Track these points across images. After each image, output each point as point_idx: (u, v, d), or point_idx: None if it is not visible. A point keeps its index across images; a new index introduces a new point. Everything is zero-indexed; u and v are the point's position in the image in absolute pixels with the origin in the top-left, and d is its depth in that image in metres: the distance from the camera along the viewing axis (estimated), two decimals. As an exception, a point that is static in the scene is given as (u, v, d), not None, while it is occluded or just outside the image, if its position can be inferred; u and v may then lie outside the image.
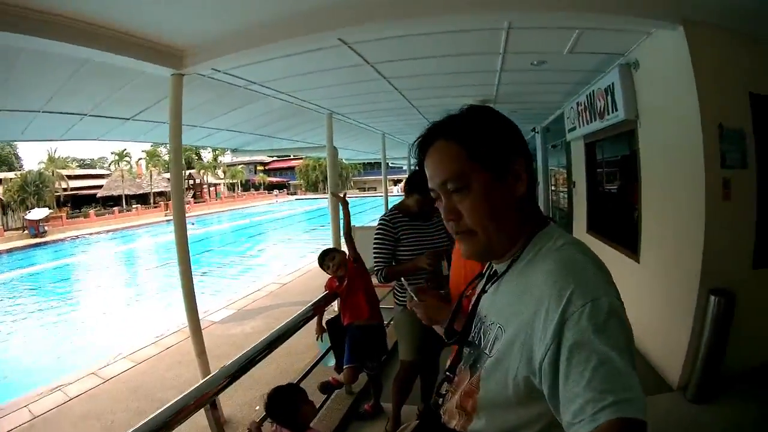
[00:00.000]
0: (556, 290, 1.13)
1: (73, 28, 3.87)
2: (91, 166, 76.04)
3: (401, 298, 4.10)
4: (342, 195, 4.63)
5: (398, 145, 16.54)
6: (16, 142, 51.50)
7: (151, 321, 15.70)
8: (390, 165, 32.78)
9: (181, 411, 2.59)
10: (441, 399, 1.59)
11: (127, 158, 61.12)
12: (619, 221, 6.32)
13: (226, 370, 3.20)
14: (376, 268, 3.99)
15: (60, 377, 8.76)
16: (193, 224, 45.86)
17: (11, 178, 50.35)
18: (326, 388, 4.47)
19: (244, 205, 62.27)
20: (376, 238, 3.99)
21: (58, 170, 54.02)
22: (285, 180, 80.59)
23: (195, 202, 60.85)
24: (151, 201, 58.35)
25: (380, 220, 4.07)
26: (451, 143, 1.30)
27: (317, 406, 4.22)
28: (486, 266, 1.56)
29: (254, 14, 4.15)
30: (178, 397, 2.65)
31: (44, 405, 6.93)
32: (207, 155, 66.62)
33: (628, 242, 5.82)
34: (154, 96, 6.00)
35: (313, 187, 74.18)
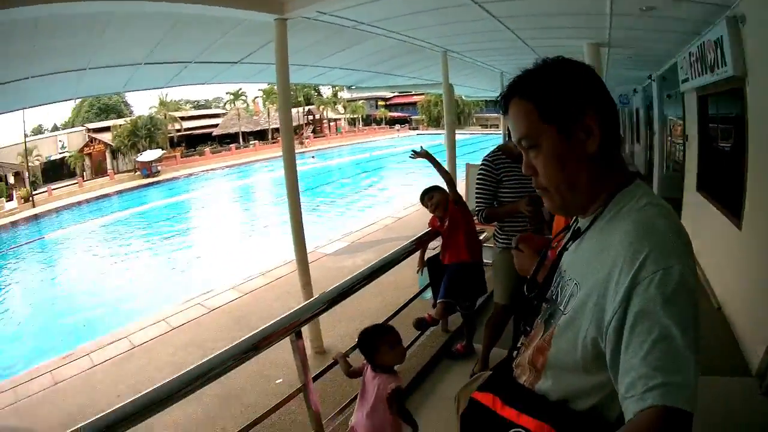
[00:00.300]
0: (631, 252, 1.18)
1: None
2: (206, 106, 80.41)
3: (501, 240, 4.35)
4: (420, 151, 4.89)
5: None
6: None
7: (262, 254, 16.97)
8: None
9: (269, 337, 3.14)
10: (516, 352, 1.70)
11: (243, 97, 64.19)
12: (729, 183, 6.09)
13: (316, 302, 3.72)
14: (477, 209, 4.27)
15: (166, 309, 9.82)
16: (313, 158, 49.39)
17: (120, 125, 55.09)
18: (421, 324, 4.78)
19: (364, 139, 64.15)
20: (477, 179, 4.25)
21: (170, 113, 57.70)
22: (406, 115, 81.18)
23: (315, 137, 64.02)
24: (270, 137, 61.15)
25: (483, 160, 4.28)
26: (523, 101, 1.38)
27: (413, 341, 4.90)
28: (573, 219, 1.61)
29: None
30: (267, 324, 3.16)
31: (147, 335, 7.83)
32: (326, 91, 68.48)
33: (735, 207, 5.59)
34: (261, 39, 6.47)
35: (435, 122, 74.09)
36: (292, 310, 3.40)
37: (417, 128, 77.11)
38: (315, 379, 3.57)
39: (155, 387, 2.67)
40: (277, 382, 5.01)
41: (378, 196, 28.73)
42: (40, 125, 61.13)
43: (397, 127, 76.50)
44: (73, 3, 4.15)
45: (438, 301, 4.76)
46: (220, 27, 5.89)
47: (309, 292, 5.69)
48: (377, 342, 3.19)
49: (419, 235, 4.78)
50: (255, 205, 34.19)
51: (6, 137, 47.06)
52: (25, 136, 47.13)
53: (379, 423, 3.17)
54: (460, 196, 4.76)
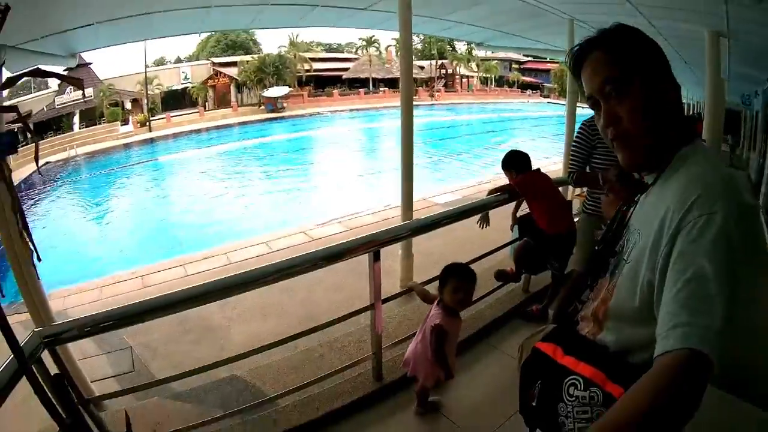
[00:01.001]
0: (683, 197, 1.30)
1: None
2: (338, 50, 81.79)
3: (588, 206, 4.67)
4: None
5: None
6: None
7: (374, 195, 17.99)
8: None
9: (347, 252, 3.72)
10: (581, 306, 1.87)
11: (375, 44, 65.04)
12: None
13: (400, 228, 4.33)
14: (569, 171, 4.56)
15: (270, 234, 10.66)
16: (445, 112, 50.11)
17: (247, 61, 57.64)
18: (501, 276, 5.08)
19: (494, 100, 63.74)
20: (573, 142, 4.53)
21: (300, 53, 59.25)
22: (539, 81, 79.27)
23: (446, 91, 64.11)
24: (400, 86, 62.16)
25: (581, 124, 4.51)
26: (608, 53, 1.50)
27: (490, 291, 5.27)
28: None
29: None
30: (350, 239, 3.74)
31: (245, 254, 8.58)
32: (461, 47, 68.06)
33: None
34: None
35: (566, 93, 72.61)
36: (374, 231, 3.94)
37: (548, 96, 75.57)
38: (384, 302, 4.03)
39: (237, 274, 3.25)
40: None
41: (498, 155, 29.16)
42: (162, 57, 65.04)
43: (529, 92, 75.24)
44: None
45: (515, 257, 4.98)
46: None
47: (408, 245, 6.15)
48: (449, 279, 3.49)
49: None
50: (376, 149, 35.16)
51: (127, 67, 50.32)
52: (146, 65, 50.02)
53: (421, 354, 3.61)
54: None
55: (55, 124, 41.71)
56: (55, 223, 21.17)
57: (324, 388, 4.13)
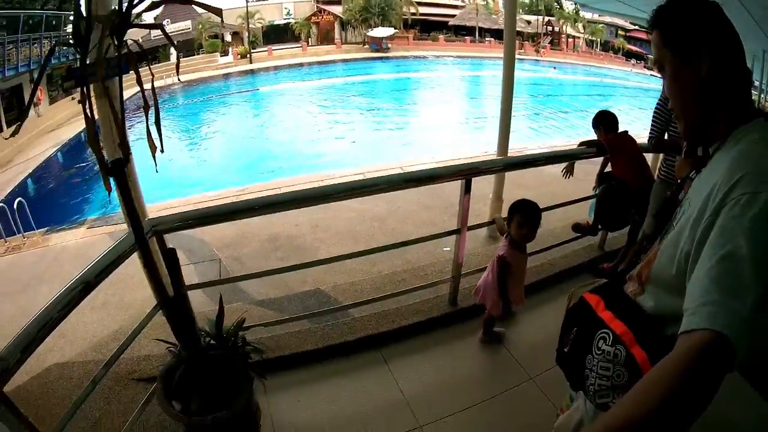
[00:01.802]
0: (731, 173, 1.29)
1: None
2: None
3: (663, 171, 4.71)
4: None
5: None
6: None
7: (475, 141, 18.18)
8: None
9: (441, 176, 4.10)
10: (634, 266, 1.86)
11: (484, -7, 63.87)
12: None
13: (493, 161, 4.71)
14: (649, 136, 4.61)
15: (366, 167, 10.88)
16: (554, 69, 49.70)
17: (353, 0, 57.05)
18: (578, 228, 5.29)
19: (598, 64, 61.67)
20: (655, 108, 4.57)
21: (405, -4, 59.05)
22: (644, 52, 76.46)
23: (551, 48, 62.70)
24: (504, 36, 61.24)
25: (661, 93, 4.50)
26: (656, 32, 1.56)
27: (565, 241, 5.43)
28: None
29: None
30: (444, 165, 3.92)
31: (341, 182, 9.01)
32: (569, 6, 66.18)
33: None
34: None
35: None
36: (469, 160, 4.14)
37: (652, 69, 73.05)
38: (470, 229, 4.25)
39: (329, 185, 3.56)
40: (444, 249, 5.71)
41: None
42: (264, -8, 65.46)
43: (633, 61, 72.65)
44: None
45: (594, 214, 5.08)
46: None
47: (500, 180, 6.21)
48: (515, 214, 3.71)
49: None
50: (478, 97, 35.01)
51: (227, 1, 50.93)
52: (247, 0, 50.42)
53: (488, 283, 3.89)
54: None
55: (150, 54, 42.80)
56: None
57: (402, 304, 4.45)
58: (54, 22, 31.60)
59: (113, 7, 1.97)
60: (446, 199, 4.27)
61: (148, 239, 2.72)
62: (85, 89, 1.99)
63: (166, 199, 11.27)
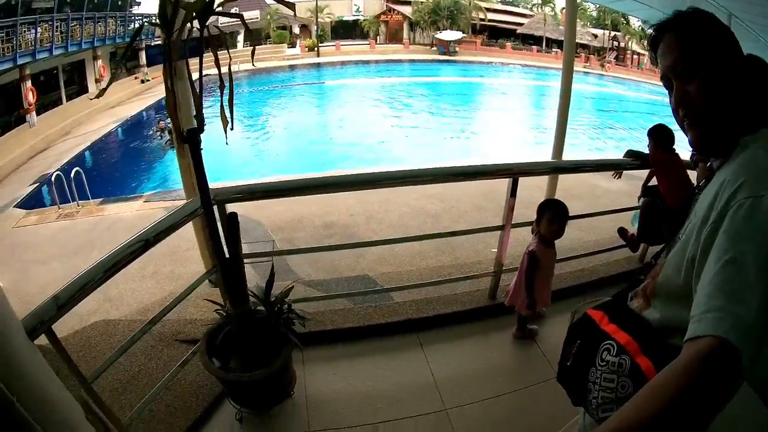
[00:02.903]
0: (733, 178, 1.30)
1: None
2: (514, 4, 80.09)
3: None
4: None
5: None
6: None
7: (533, 149, 18.53)
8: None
9: (489, 172, 4.26)
10: (639, 284, 1.86)
11: (551, 4, 63.34)
12: None
13: (540, 164, 4.94)
14: (692, 152, 4.60)
15: (425, 166, 11.04)
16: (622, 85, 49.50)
17: (422, 2, 57.71)
18: (622, 233, 5.22)
19: (658, 81, 61.22)
20: None
21: (476, 1, 58.90)
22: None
23: (616, 64, 61.99)
24: (563, 48, 60.80)
25: None
26: (681, 34, 1.54)
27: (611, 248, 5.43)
28: None
29: None
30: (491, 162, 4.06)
31: None
32: (635, 22, 65.21)
33: None
34: None
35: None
36: (515, 161, 4.33)
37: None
38: (514, 227, 4.37)
39: (375, 172, 3.74)
40: (492, 250, 5.77)
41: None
42: (335, -12, 66.20)
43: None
44: None
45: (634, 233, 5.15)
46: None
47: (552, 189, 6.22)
48: (545, 212, 3.84)
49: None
50: (541, 106, 34.88)
51: None
52: None
53: (517, 283, 4.03)
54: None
55: (218, 41, 43.33)
56: (213, 130, 22.36)
57: (443, 294, 4.63)
58: (120, 2, 32.37)
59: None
60: (499, 203, 4.37)
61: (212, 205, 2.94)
62: (168, 65, 2.20)
63: (225, 181, 11.57)
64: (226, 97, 2.45)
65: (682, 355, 1.13)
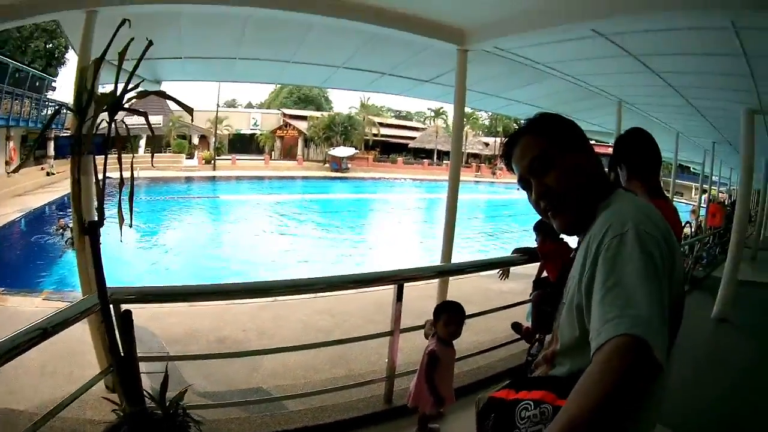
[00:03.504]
0: (598, 232, 1.50)
1: (362, 8, 5.62)
2: (407, 118, 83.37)
3: None
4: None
5: (693, 148, 16.68)
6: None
7: (430, 261, 17.89)
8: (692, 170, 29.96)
9: (376, 280, 4.67)
10: (533, 358, 2.00)
11: (443, 116, 66.21)
12: None
13: (425, 269, 5.11)
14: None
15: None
16: (518, 189, 50.36)
17: (317, 117, 60.01)
18: (516, 328, 5.26)
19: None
20: None
21: (369, 116, 61.05)
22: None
23: (508, 170, 64.95)
24: (464, 160, 62.99)
25: None
26: (535, 136, 1.79)
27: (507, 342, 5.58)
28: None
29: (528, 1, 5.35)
30: (379, 270, 4.29)
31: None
32: (524, 125, 68.83)
33: None
34: (449, 64, 7.23)
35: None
36: (401, 268, 4.54)
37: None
38: (403, 331, 4.54)
39: (280, 279, 3.85)
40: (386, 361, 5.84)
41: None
42: (234, 99, 68.21)
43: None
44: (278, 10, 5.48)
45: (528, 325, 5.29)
46: (411, 48, 7.07)
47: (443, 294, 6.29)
48: (441, 314, 3.93)
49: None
50: (434, 219, 35.84)
51: (199, 103, 53.54)
52: (218, 105, 52.81)
53: (418, 383, 4.03)
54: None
55: (124, 141, 42.97)
56: (105, 234, 21.91)
57: (338, 401, 4.64)
58: (37, 84, 31.84)
59: (110, 89, 2.33)
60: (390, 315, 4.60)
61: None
62: (78, 156, 2.32)
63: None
64: (126, 195, 2.55)
65: (591, 364, 1.25)
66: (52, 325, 2.70)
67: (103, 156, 2.50)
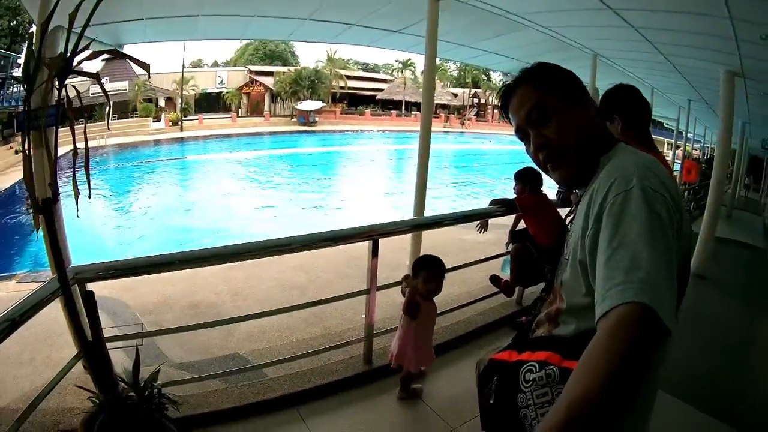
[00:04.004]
0: (603, 185, 1.45)
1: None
2: (374, 70, 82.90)
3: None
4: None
5: (668, 104, 16.70)
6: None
7: (399, 213, 18.81)
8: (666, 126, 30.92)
9: (349, 236, 4.33)
10: (534, 318, 1.92)
11: (411, 67, 65.73)
12: None
13: (399, 222, 4.97)
14: (558, 191, 4.79)
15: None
16: (490, 141, 53.05)
17: (284, 72, 59.37)
18: (495, 281, 5.23)
19: (523, 133, 64.30)
20: None
21: (336, 69, 60.45)
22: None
23: (477, 120, 64.81)
24: (421, 107, 63.22)
25: None
26: (531, 86, 1.73)
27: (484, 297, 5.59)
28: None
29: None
30: (352, 227, 4.24)
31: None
32: (496, 77, 68.51)
33: None
34: (419, 14, 7.02)
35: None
36: (373, 223, 4.38)
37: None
38: (379, 289, 4.43)
39: (247, 242, 3.84)
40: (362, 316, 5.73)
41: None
42: (200, 59, 67.05)
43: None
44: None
45: (506, 275, 5.24)
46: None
47: (417, 247, 6.30)
48: (420, 270, 3.85)
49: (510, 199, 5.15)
50: (402, 169, 35.76)
51: (164, 65, 52.25)
52: (183, 66, 52.04)
53: (401, 343, 3.96)
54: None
55: (86, 112, 42.16)
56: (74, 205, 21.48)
57: (317, 365, 4.54)
58: (2, 62, 31.74)
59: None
60: (364, 268, 4.47)
61: (71, 286, 2.81)
62: (27, 129, 2.13)
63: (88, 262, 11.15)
64: (81, 166, 2.36)
65: (597, 333, 1.21)
66: (20, 313, 2.54)
67: (68, 126, 2.29)
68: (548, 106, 1.67)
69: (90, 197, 2.38)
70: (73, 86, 2.27)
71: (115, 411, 2.75)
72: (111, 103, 41.59)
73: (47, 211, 2.30)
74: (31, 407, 2.73)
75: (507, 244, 5.42)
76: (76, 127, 2.28)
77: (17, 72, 34.22)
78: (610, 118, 3.38)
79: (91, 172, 2.41)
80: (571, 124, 1.67)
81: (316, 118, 56.11)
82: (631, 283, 1.20)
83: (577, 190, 1.88)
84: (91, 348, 2.74)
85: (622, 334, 1.16)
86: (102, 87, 2.61)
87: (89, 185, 2.39)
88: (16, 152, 31.77)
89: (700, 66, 8.66)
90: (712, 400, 4.28)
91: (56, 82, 2.15)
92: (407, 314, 3.83)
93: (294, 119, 56.30)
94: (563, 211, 3.57)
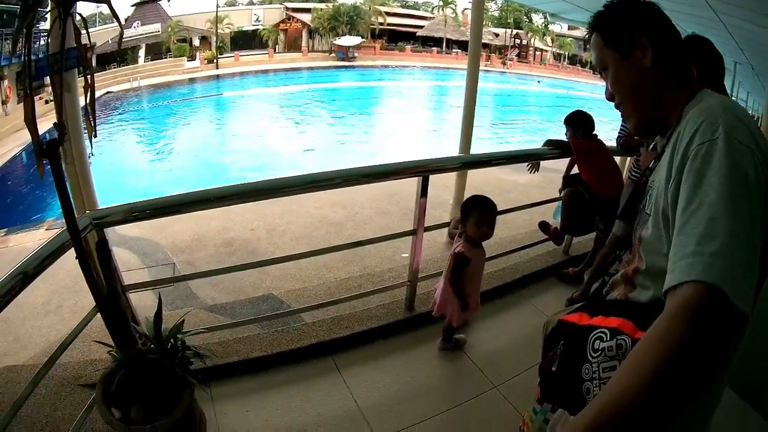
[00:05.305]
0: (688, 130, 1.30)
1: None
2: (414, 7, 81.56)
3: (633, 172, 4.65)
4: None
5: None
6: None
7: (439, 150, 18.74)
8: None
9: (397, 172, 4.03)
10: (609, 278, 1.80)
11: (452, 5, 64.66)
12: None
13: (449, 159, 4.59)
14: (617, 136, 4.62)
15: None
16: (539, 83, 52.80)
17: (321, 9, 58.48)
18: (544, 227, 5.12)
19: (565, 77, 62.72)
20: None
21: (375, 6, 59.59)
22: (611, 66, 79.31)
23: (518, 61, 64.19)
24: (468, 46, 63.01)
25: None
26: (595, 34, 1.65)
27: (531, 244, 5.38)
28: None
29: None
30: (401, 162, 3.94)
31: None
32: (538, 19, 67.28)
33: None
34: None
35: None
36: (424, 158, 4.13)
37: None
38: (427, 230, 4.16)
39: (276, 178, 3.58)
40: (403, 255, 5.40)
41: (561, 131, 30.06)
42: (235, -1, 65.89)
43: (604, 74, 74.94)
44: None
45: (556, 221, 5.08)
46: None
47: (461, 186, 6.09)
48: (471, 212, 3.51)
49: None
50: (444, 106, 35.37)
51: (198, 5, 51.57)
52: (217, 5, 51.12)
53: (444, 291, 3.71)
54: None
55: (119, 56, 42.53)
56: (110, 147, 21.94)
57: (356, 310, 4.33)
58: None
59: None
60: (404, 206, 4.26)
61: (88, 232, 2.62)
62: (27, 66, 1.89)
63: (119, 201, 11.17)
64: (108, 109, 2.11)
65: (664, 311, 1.10)
66: (33, 266, 2.38)
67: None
68: (604, 59, 1.63)
69: (96, 136, 2.14)
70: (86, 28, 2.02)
71: (134, 367, 2.56)
72: (119, 43, 41.75)
73: (53, 153, 2.04)
74: (50, 361, 2.57)
75: (560, 190, 5.19)
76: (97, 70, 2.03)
77: (43, 25, 34.83)
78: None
79: (123, 114, 2.18)
80: (621, 79, 1.59)
81: (356, 54, 55.68)
82: (701, 255, 1.08)
83: (659, 137, 1.66)
84: (106, 302, 2.51)
85: (679, 325, 1.04)
86: (114, 13, 2.29)
87: (94, 125, 2.14)
88: (46, 102, 32.16)
89: (749, 28, 8.04)
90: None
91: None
92: (454, 275, 3.57)
93: (332, 54, 55.92)
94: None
